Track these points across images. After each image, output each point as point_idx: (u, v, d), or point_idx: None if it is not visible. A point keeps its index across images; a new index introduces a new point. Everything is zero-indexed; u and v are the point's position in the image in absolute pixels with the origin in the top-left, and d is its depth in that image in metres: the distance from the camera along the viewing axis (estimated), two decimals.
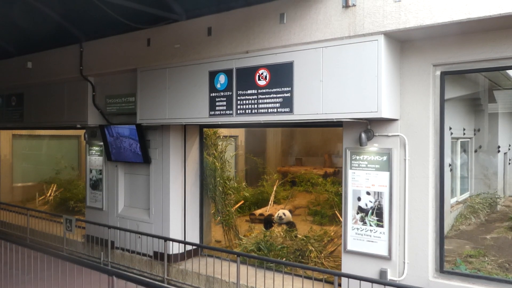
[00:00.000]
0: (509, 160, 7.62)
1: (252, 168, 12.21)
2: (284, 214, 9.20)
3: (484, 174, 7.52)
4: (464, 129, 7.13)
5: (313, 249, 7.81)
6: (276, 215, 9.26)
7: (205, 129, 8.42)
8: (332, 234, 8.79)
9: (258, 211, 10.34)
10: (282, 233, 8.60)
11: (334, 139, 13.20)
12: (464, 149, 7.30)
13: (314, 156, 13.36)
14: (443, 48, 5.38)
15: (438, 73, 5.52)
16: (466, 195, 7.29)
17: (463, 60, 5.29)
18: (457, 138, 6.95)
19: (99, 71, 8.63)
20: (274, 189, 10.83)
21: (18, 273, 6.05)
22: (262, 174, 12.13)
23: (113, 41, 8.28)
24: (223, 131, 9.14)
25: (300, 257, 7.74)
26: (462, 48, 5.26)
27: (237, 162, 11.84)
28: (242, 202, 10.39)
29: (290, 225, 8.95)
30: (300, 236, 8.28)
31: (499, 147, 7.42)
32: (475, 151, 7.36)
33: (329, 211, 9.94)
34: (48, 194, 12.99)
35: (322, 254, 7.85)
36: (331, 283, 6.28)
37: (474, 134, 7.33)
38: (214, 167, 8.53)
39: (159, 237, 7.58)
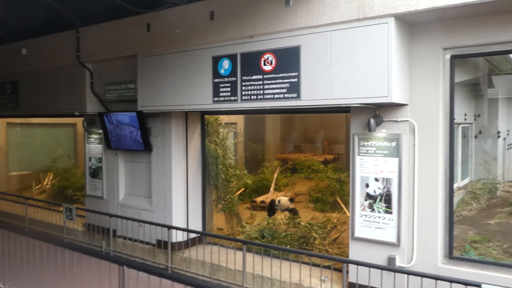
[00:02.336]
0: (508, 145, 7.61)
1: (252, 155, 12.12)
2: (279, 201, 9.13)
3: (484, 159, 7.51)
4: (465, 115, 7.08)
5: (317, 236, 7.77)
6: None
7: (206, 116, 8.30)
8: (335, 221, 8.75)
9: (259, 198, 10.28)
10: (285, 220, 8.56)
11: (333, 125, 13.13)
12: (464, 135, 7.26)
13: (313, 142, 13.30)
14: (454, 31, 5.28)
15: (448, 56, 5.42)
16: (466, 180, 7.27)
17: (474, 43, 5.20)
18: (458, 124, 6.91)
19: (97, 58, 8.42)
20: (275, 176, 10.76)
21: (22, 262, 5.95)
22: (261, 161, 12.05)
23: (111, 26, 8.07)
24: (224, 118, 9.02)
25: (304, 244, 7.70)
26: (473, 31, 5.16)
27: (237, 149, 11.73)
28: (243, 189, 10.31)
29: (294, 212, 8.89)
30: (303, 223, 8.24)
31: (499, 132, 7.40)
32: (475, 136, 7.33)
33: (330, 197, 9.89)
34: (45, 183, 12.83)
35: (326, 241, 7.82)
36: (339, 270, 6.26)
37: (475, 120, 7.30)
38: (216, 154, 8.42)
39: (162, 226, 7.50)
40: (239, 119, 11.95)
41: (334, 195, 9.82)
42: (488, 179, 7.32)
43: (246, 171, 9.67)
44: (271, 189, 10.60)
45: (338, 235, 8.22)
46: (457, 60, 5.48)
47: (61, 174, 12.77)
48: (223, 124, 8.92)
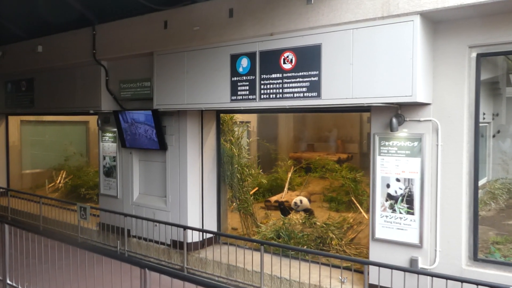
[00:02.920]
0: None
1: (265, 154, 12.03)
2: (300, 201, 9.05)
3: (502, 159, 7.38)
4: (483, 114, 6.96)
5: (334, 236, 7.68)
6: (292, 202, 9.13)
7: (221, 115, 8.23)
8: (351, 221, 8.66)
9: (273, 198, 10.19)
10: (301, 220, 8.48)
11: (347, 124, 12.99)
12: (482, 134, 7.14)
13: (326, 141, 13.18)
14: (480, 29, 5.16)
15: (474, 55, 5.31)
16: (483, 180, 7.13)
17: (502, 41, 5.09)
18: None
19: (113, 55, 8.38)
20: (289, 175, 10.66)
21: (40, 262, 5.91)
22: (274, 160, 11.96)
23: (128, 24, 8.02)
24: (239, 117, 8.94)
25: (321, 245, 7.61)
26: (500, 28, 5.04)
27: (250, 148, 11.66)
28: (256, 188, 10.23)
29: (310, 212, 8.81)
30: (319, 224, 8.15)
31: None
32: (493, 136, 7.20)
33: (345, 197, 9.78)
34: (58, 181, 12.83)
35: (343, 242, 7.72)
36: (358, 271, 6.17)
37: (493, 119, 7.17)
38: (232, 153, 8.34)
39: (178, 226, 7.44)
40: (252, 118, 11.88)
41: (349, 194, 9.72)
42: (507, 179, 7.19)
43: (261, 170, 9.57)
44: (285, 189, 10.51)
45: (355, 235, 8.12)
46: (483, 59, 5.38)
47: (73, 173, 12.77)
48: (238, 123, 8.84)
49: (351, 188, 9.80)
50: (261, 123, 12.31)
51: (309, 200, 9.22)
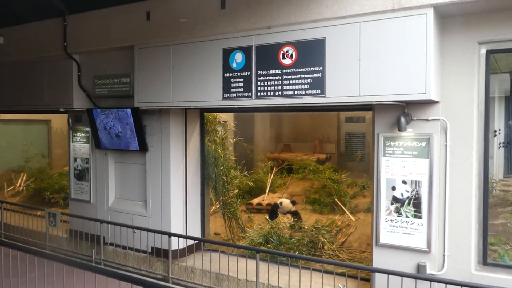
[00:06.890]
0: (499, 144, 7.50)
1: (242, 154, 11.60)
2: (280, 203, 8.71)
3: None
4: None
5: (325, 240, 7.38)
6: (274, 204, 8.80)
7: (206, 114, 7.73)
8: (339, 223, 8.39)
9: (255, 200, 9.79)
10: (288, 224, 8.14)
11: (324, 124, 12.80)
12: None
13: (304, 142, 12.94)
14: (491, 24, 4.95)
15: (483, 51, 5.10)
16: None
17: None
18: None
19: (87, 49, 7.68)
20: (271, 177, 10.29)
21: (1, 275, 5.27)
22: (252, 161, 11.56)
23: (104, 14, 7.37)
24: (222, 116, 8.47)
25: (312, 250, 7.28)
26: None
27: (230, 149, 11.19)
28: (236, 191, 9.80)
29: (297, 215, 8.47)
30: (307, 227, 7.82)
31: (495, 131, 7.25)
32: None
33: (327, 199, 9.53)
34: (18, 184, 11.87)
35: (334, 246, 7.43)
36: (364, 279, 5.87)
37: None
38: (217, 154, 7.87)
39: (162, 233, 6.87)
40: (229, 118, 11.42)
41: (331, 196, 9.48)
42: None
43: (246, 172, 9.14)
44: (267, 191, 10.14)
45: (345, 239, 7.85)
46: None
47: (35, 175, 11.85)
48: (222, 122, 8.38)
49: (333, 189, 9.56)
50: (238, 122, 11.87)
51: (294, 203, 8.85)
